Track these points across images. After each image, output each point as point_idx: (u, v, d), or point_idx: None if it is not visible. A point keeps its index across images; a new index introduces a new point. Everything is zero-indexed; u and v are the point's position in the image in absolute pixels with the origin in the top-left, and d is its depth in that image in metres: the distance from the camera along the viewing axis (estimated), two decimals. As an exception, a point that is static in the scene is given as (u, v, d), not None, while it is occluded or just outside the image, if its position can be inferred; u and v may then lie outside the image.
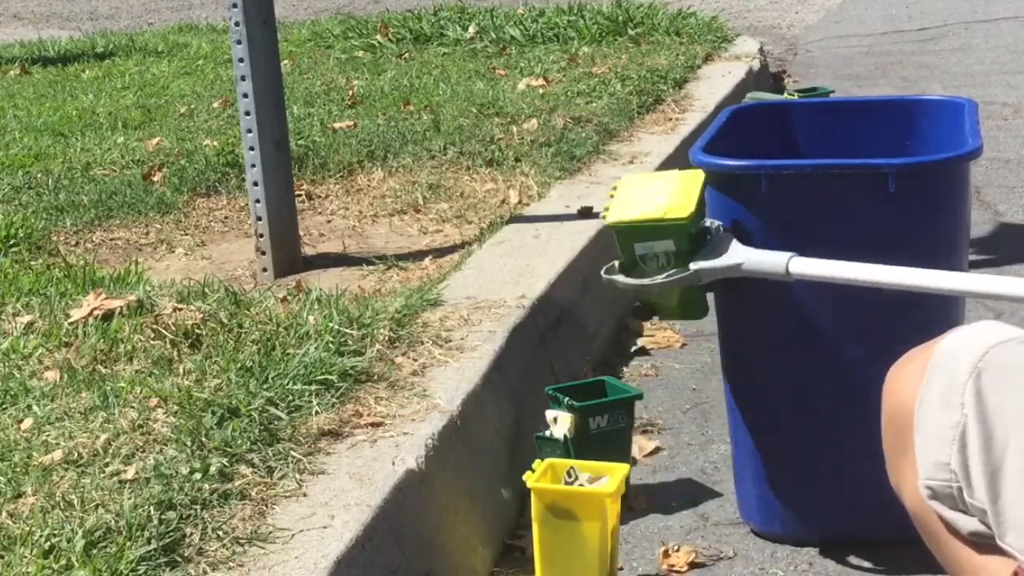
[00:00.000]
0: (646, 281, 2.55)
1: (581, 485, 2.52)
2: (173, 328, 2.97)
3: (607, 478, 2.52)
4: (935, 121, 2.86)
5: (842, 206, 2.53)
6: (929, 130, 2.86)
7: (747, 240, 2.57)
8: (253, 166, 3.89)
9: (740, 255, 2.52)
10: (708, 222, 2.57)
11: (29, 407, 2.64)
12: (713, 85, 6.24)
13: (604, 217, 2.60)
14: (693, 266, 2.53)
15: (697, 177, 2.58)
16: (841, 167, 2.53)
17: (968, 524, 1.60)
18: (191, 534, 2.16)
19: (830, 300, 2.56)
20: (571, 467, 2.55)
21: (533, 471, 2.53)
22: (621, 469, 2.53)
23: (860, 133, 2.90)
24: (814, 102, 3.46)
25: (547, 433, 2.81)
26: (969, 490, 1.57)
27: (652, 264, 2.55)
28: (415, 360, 2.90)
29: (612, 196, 2.62)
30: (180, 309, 3.08)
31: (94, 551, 2.08)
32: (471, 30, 7.51)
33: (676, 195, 2.54)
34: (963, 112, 2.76)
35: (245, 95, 3.85)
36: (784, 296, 2.57)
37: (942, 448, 1.59)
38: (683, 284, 2.55)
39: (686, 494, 2.92)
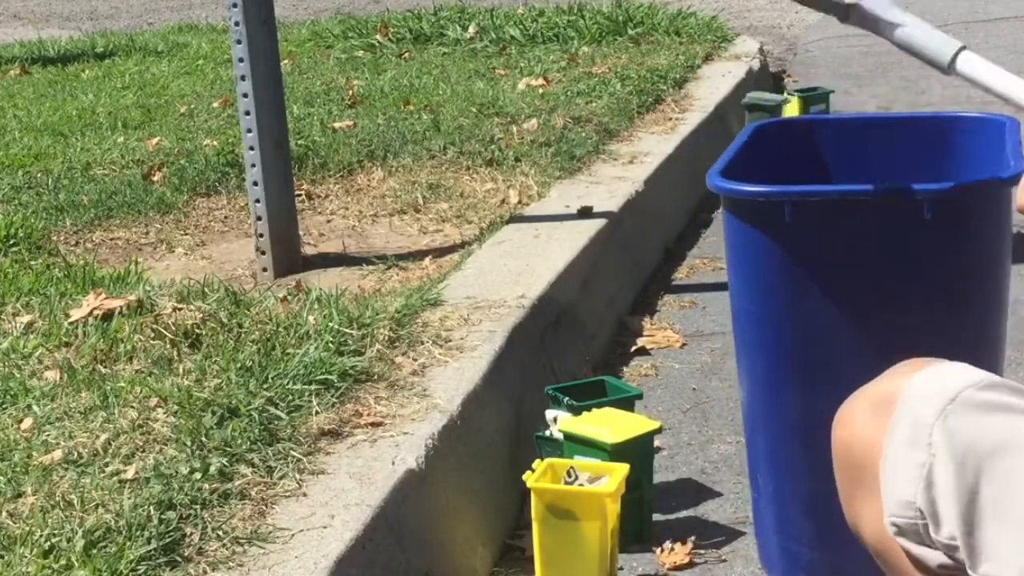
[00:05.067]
0: None
1: (581, 485, 2.53)
2: (173, 328, 2.96)
3: (607, 478, 2.52)
4: (972, 140, 2.62)
5: (873, 234, 2.31)
6: (966, 150, 2.63)
7: (768, 273, 2.38)
8: (253, 166, 3.89)
9: (907, 18, 2.22)
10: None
11: (29, 407, 2.64)
12: (713, 85, 6.24)
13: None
14: None
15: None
16: (872, 193, 2.31)
17: (935, 558, 1.61)
18: (191, 534, 2.16)
19: (856, 334, 2.37)
20: (571, 467, 2.55)
21: (533, 471, 2.53)
22: (621, 469, 2.53)
23: (892, 153, 2.69)
24: (842, 119, 3.13)
25: (547, 433, 2.81)
26: (936, 528, 1.57)
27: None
28: (415, 360, 2.90)
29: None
30: (180, 309, 3.08)
31: (94, 551, 2.08)
32: (471, 30, 7.51)
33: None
34: (1003, 131, 2.53)
35: (245, 95, 3.85)
36: (809, 325, 2.39)
37: (907, 487, 1.59)
38: (831, 10, 2.27)
39: (686, 494, 2.92)
